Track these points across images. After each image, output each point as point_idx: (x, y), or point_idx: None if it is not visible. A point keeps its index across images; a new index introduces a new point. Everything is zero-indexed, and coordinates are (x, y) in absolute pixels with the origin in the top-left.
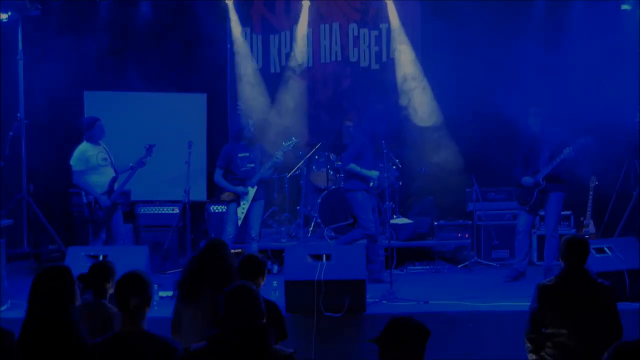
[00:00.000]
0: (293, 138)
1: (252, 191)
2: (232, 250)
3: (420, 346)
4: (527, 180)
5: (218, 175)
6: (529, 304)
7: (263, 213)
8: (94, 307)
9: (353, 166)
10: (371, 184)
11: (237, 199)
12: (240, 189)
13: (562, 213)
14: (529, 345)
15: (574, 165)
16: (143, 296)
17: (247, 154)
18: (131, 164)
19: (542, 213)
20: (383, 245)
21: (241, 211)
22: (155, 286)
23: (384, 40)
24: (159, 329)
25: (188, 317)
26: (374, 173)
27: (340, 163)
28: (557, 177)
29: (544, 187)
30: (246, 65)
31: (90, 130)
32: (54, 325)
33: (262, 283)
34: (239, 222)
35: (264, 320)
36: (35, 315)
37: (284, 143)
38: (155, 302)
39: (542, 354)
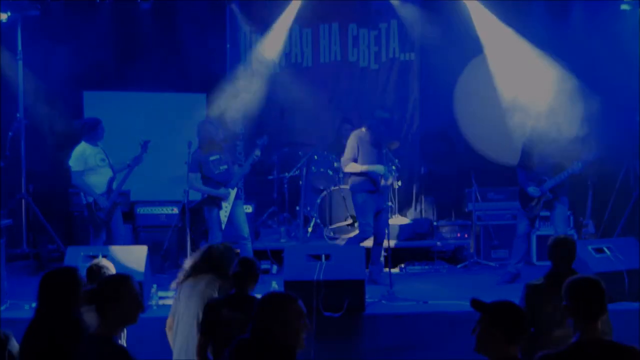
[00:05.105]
0: (264, 135)
1: (233, 192)
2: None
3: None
4: (533, 191)
5: (193, 181)
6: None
7: (259, 212)
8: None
9: (353, 165)
10: (382, 182)
11: (219, 203)
12: (222, 191)
13: None
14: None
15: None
16: (118, 302)
17: (218, 157)
18: (128, 162)
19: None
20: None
21: (224, 214)
22: (154, 286)
23: (384, 40)
24: (159, 329)
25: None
26: (379, 168)
27: (338, 164)
28: (562, 185)
29: (550, 199)
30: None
31: (92, 132)
32: (60, 325)
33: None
34: (223, 226)
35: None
36: (42, 315)
37: (257, 141)
38: (154, 304)
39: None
